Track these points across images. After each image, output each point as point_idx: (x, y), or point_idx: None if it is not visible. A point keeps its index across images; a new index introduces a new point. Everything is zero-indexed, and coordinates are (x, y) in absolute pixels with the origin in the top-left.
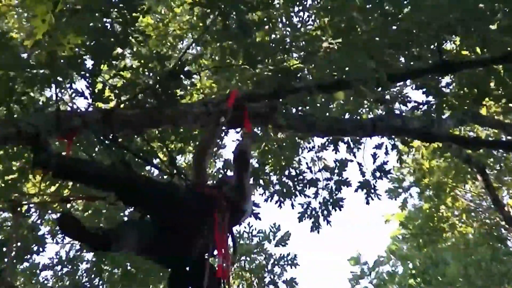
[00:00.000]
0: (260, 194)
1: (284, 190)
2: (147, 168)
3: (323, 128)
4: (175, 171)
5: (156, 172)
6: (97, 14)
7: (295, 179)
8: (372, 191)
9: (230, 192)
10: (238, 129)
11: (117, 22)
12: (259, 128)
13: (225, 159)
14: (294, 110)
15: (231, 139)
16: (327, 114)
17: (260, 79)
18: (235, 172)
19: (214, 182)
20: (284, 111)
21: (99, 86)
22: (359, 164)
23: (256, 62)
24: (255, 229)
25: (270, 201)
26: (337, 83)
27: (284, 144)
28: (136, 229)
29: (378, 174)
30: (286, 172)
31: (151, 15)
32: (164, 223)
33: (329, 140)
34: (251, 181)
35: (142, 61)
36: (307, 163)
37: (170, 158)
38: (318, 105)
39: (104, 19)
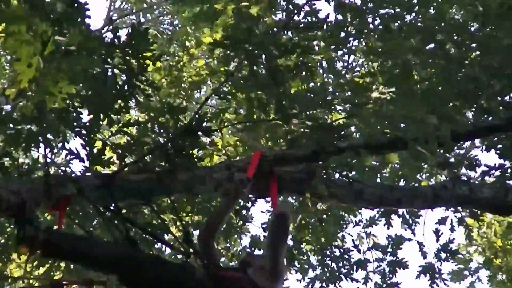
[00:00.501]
0: (297, 280)
1: (327, 274)
2: (157, 246)
3: (373, 197)
4: (191, 250)
5: (168, 251)
6: (95, 58)
7: (340, 260)
8: (437, 275)
9: (257, 275)
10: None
11: (120, 70)
12: (294, 198)
13: (251, 235)
14: (337, 176)
15: (260, 209)
16: (378, 180)
17: (295, 137)
18: (268, 243)
19: (237, 263)
20: (325, 176)
21: (98, 145)
22: (419, 243)
23: (290, 116)
24: None
25: None
26: (390, 142)
27: (325, 217)
28: None
29: (443, 255)
30: (329, 252)
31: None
32: None
33: (380, 212)
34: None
35: (151, 115)
36: (353, 241)
37: (185, 234)
38: (367, 169)
39: (105, 65)
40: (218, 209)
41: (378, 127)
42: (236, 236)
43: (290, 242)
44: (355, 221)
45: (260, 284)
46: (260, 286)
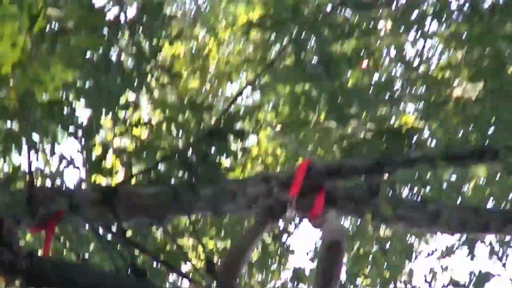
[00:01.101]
0: None
1: None
2: (172, 278)
3: (452, 221)
4: (215, 284)
5: (185, 284)
6: (97, 37)
7: None
8: None
9: None
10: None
11: (128, 53)
12: (350, 221)
13: (294, 267)
14: (406, 194)
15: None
16: (459, 200)
17: (354, 144)
18: (316, 282)
19: None
20: (391, 194)
21: (98, 150)
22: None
23: (348, 117)
24: None
25: None
26: (475, 152)
27: (389, 245)
28: None
29: None
30: None
31: (182, 41)
32: None
33: (461, 240)
34: None
35: (167, 112)
36: (424, 276)
37: (208, 264)
38: (445, 186)
39: (109, 47)
40: (246, 232)
41: (461, 133)
42: (274, 267)
43: (343, 276)
44: (428, 251)
45: None
46: None
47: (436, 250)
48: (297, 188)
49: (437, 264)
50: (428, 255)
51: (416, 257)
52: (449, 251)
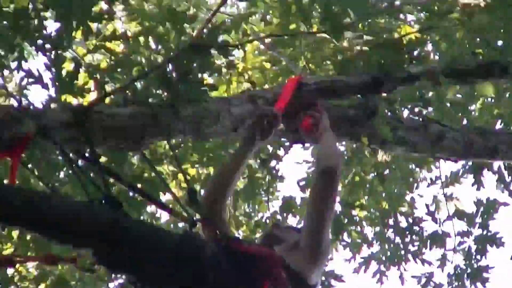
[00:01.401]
0: (346, 260)
1: (388, 253)
2: (150, 209)
3: (457, 145)
4: (197, 216)
5: (165, 216)
6: None
7: (407, 234)
8: None
9: (290, 255)
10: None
11: None
12: (345, 145)
13: (284, 197)
14: (407, 114)
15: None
16: (465, 121)
17: (349, 58)
18: (309, 211)
19: (261, 237)
20: (390, 115)
21: (69, 66)
22: None
23: (343, 27)
24: None
25: (365, 271)
26: (482, 67)
27: (388, 172)
28: None
29: None
30: (392, 222)
31: None
32: None
33: (467, 166)
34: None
35: (145, 24)
36: (427, 206)
37: (190, 193)
38: (449, 105)
39: None
40: (231, 156)
41: (467, 46)
42: (262, 197)
43: (337, 207)
44: (431, 178)
45: (295, 267)
46: (295, 270)
47: (439, 177)
48: (284, 102)
49: (440, 194)
50: (431, 183)
51: (417, 186)
52: (453, 179)
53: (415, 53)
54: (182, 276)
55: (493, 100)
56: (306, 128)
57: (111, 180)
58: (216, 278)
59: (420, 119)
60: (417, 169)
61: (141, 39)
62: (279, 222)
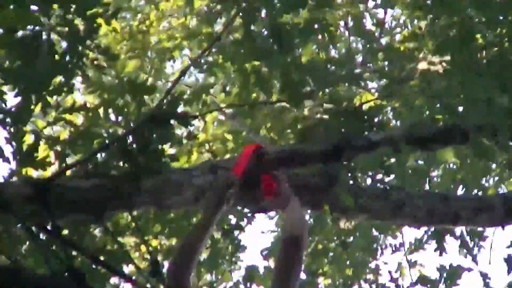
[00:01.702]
0: None
1: None
2: (112, 281)
3: (419, 212)
4: (161, 286)
5: (128, 286)
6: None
7: None
8: None
9: None
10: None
11: (60, 33)
12: (308, 212)
13: (247, 266)
14: (369, 181)
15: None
16: (427, 187)
17: (309, 127)
18: (275, 282)
19: None
20: (351, 183)
21: (28, 139)
22: (482, 274)
23: (302, 96)
24: None
25: None
26: (443, 133)
27: (352, 240)
28: None
29: None
30: None
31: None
32: None
33: (429, 232)
34: None
35: (105, 96)
36: (390, 273)
37: (153, 264)
38: (410, 172)
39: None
40: (194, 227)
41: (426, 112)
42: (225, 267)
43: (302, 275)
44: (395, 245)
45: None
46: None
47: (402, 244)
48: (241, 168)
49: (404, 260)
50: (395, 250)
51: (381, 253)
52: (417, 245)
53: (376, 120)
54: None
55: (454, 166)
56: (268, 190)
57: (74, 252)
58: None
59: (382, 186)
60: (381, 236)
61: (101, 111)
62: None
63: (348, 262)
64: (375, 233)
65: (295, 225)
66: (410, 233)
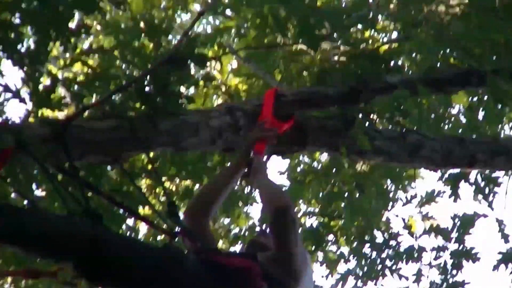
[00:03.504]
0: (322, 277)
1: (365, 268)
2: (129, 222)
3: (435, 154)
4: (177, 228)
5: (144, 228)
6: None
7: (383, 249)
8: None
9: (273, 263)
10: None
11: None
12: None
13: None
14: (385, 124)
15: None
16: (444, 129)
17: (326, 69)
18: (274, 247)
19: (248, 243)
20: (368, 125)
21: (46, 80)
22: (498, 221)
23: (319, 39)
24: None
25: (342, 287)
26: (460, 76)
27: (365, 183)
28: None
29: None
30: (367, 237)
31: None
32: None
33: (444, 177)
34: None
35: (121, 37)
36: (404, 220)
37: (169, 206)
38: (427, 115)
39: None
40: (222, 172)
41: (442, 54)
42: (241, 209)
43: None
44: (406, 197)
45: (277, 275)
46: (278, 280)
47: (414, 196)
48: (270, 110)
49: (415, 213)
50: (406, 202)
51: (393, 206)
52: (429, 198)
53: (392, 63)
54: None
55: (470, 109)
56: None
57: (90, 194)
58: None
59: (398, 129)
60: (393, 186)
61: (117, 52)
62: (265, 230)
63: (361, 209)
64: (387, 184)
65: (275, 196)
66: (422, 187)
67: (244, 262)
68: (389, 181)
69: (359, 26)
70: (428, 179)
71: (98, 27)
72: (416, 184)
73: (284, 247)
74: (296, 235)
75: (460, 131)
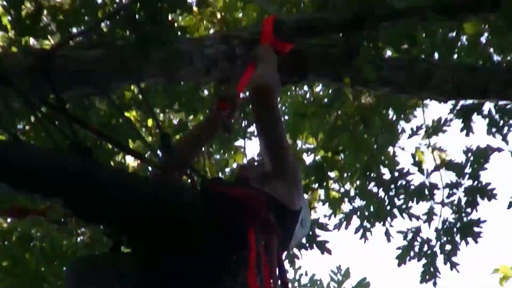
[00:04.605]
0: (325, 216)
1: (371, 208)
2: (119, 156)
3: (445, 84)
4: (170, 161)
5: (133, 164)
6: None
7: (391, 187)
8: None
9: (269, 187)
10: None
11: None
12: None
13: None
14: (391, 53)
15: None
16: (454, 57)
17: None
18: (260, 136)
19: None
20: (373, 53)
21: (29, 6)
22: None
23: None
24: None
25: (346, 228)
26: (472, 0)
27: (370, 116)
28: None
29: None
30: (374, 174)
31: None
32: (157, 258)
33: (454, 109)
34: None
35: None
36: (413, 156)
37: (163, 137)
38: (437, 41)
39: None
40: (197, 126)
41: None
42: (236, 142)
43: (319, 153)
44: (411, 128)
45: (281, 198)
46: (278, 201)
47: (421, 126)
48: (268, 39)
49: (423, 144)
50: (412, 134)
51: (402, 134)
52: (436, 128)
53: None
54: (161, 222)
55: (484, 37)
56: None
57: (79, 126)
58: (196, 222)
59: (406, 58)
60: (394, 117)
61: None
62: (244, 163)
63: (367, 145)
64: (391, 115)
65: (259, 77)
66: (428, 115)
67: (249, 192)
68: (391, 112)
69: None
70: (433, 108)
71: None
72: (419, 113)
73: (268, 132)
74: (278, 123)
75: (471, 60)
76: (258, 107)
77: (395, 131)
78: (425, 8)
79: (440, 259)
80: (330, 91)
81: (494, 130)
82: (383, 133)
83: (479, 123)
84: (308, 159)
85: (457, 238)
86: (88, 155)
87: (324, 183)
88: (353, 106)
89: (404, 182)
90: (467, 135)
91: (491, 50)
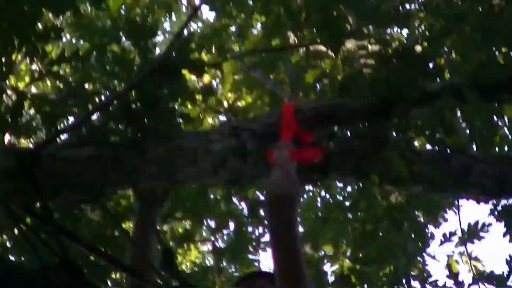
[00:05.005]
0: None
1: None
2: (116, 275)
3: (486, 180)
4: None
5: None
6: None
7: None
8: None
9: None
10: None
11: None
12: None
13: None
14: (420, 142)
15: None
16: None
17: (352, 76)
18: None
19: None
20: (405, 145)
21: (11, 98)
22: None
23: (341, 36)
24: None
25: None
26: None
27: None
28: None
29: None
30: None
31: None
32: None
33: (496, 210)
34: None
35: (96, 40)
36: (448, 266)
37: (165, 253)
38: (477, 127)
39: None
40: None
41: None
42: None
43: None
44: (444, 234)
45: None
46: None
47: (454, 233)
48: (291, 130)
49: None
50: (444, 240)
51: (429, 244)
52: (471, 234)
53: (433, 66)
54: None
55: None
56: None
57: (68, 240)
58: None
59: (443, 149)
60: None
61: (93, 58)
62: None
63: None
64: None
65: (273, 186)
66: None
67: None
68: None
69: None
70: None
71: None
72: (450, 215)
73: (281, 250)
74: (292, 238)
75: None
76: (273, 219)
77: (425, 236)
78: (463, 88)
79: None
80: (353, 190)
81: None
82: (413, 239)
83: None
84: (327, 268)
85: None
86: (79, 276)
87: None
88: (382, 208)
89: None
90: (510, 241)
91: None
